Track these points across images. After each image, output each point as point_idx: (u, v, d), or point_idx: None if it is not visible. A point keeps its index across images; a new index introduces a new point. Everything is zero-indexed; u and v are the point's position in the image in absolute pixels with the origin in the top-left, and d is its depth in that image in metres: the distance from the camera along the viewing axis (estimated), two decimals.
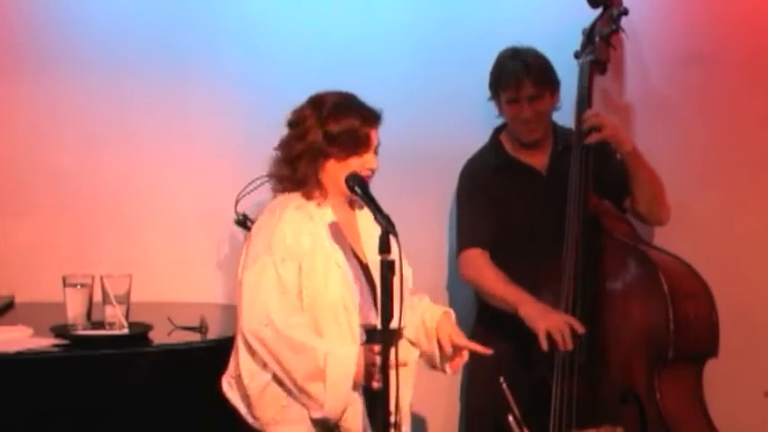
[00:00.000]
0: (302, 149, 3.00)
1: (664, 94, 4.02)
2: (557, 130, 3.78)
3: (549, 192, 3.67)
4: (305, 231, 2.96)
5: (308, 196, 3.02)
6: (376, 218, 2.81)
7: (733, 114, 4.00)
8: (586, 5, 3.72)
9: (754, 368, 3.87)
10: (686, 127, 4.01)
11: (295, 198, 3.03)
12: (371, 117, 3.00)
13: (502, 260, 3.66)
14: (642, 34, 3.92)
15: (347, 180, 2.92)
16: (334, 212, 3.03)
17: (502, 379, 3.08)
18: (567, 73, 3.73)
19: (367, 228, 3.05)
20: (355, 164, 2.97)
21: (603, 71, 3.73)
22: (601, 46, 3.68)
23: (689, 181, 3.99)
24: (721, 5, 3.97)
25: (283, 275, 2.92)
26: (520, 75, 3.63)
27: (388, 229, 2.75)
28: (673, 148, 3.98)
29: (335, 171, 2.99)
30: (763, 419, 3.79)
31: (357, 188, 2.90)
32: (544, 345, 3.42)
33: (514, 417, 3.24)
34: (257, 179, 3.84)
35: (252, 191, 3.85)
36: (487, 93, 3.77)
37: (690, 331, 3.44)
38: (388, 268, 2.72)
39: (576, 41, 3.74)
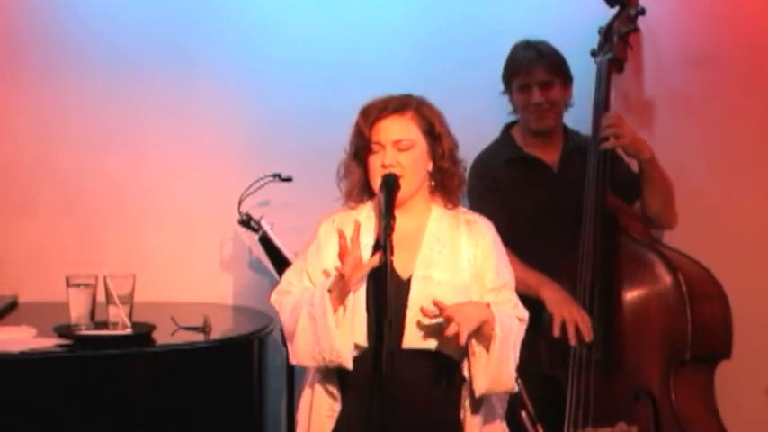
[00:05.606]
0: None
1: (680, 93, 3.99)
2: (567, 130, 3.79)
3: (560, 187, 3.67)
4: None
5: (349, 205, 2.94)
6: (380, 219, 2.79)
7: (749, 113, 3.98)
8: (600, 4, 3.71)
9: (757, 367, 3.85)
10: (704, 126, 3.98)
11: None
12: (371, 114, 2.85)
13: (513, 254, 3.63)
14: (657, 34, 3.90)
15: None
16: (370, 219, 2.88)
17: (516, 375, 3.07)
18: (583, 71, 3.73)
19: (430, 241, 2.89)
20: (374, 164, 2.85)
21: (621, 69, 3.74)
22: (619, 45, 3.70)
23: (694, 179, 3.98)
24: (734, 5, 3.96)
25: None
26: (532, 60, 3.65)
27: (387, 231, 2.72)
28: (689, 147, 3.96)
29: (369, 175, 2.88)
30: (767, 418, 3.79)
31: (381, 191, 2.80)
32: (557, 331, 3.41)
33: (528, 412, 3.24)
34: (261, 179, 3.86)
35: (255, 191, 3.87)
36: (497, 89, 3.76)
37: (707, 333, 3.43)
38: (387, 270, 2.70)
39: (589, 39, 3.74)
